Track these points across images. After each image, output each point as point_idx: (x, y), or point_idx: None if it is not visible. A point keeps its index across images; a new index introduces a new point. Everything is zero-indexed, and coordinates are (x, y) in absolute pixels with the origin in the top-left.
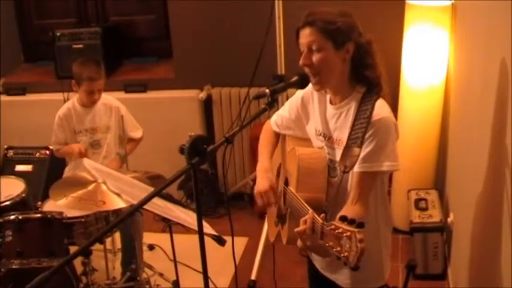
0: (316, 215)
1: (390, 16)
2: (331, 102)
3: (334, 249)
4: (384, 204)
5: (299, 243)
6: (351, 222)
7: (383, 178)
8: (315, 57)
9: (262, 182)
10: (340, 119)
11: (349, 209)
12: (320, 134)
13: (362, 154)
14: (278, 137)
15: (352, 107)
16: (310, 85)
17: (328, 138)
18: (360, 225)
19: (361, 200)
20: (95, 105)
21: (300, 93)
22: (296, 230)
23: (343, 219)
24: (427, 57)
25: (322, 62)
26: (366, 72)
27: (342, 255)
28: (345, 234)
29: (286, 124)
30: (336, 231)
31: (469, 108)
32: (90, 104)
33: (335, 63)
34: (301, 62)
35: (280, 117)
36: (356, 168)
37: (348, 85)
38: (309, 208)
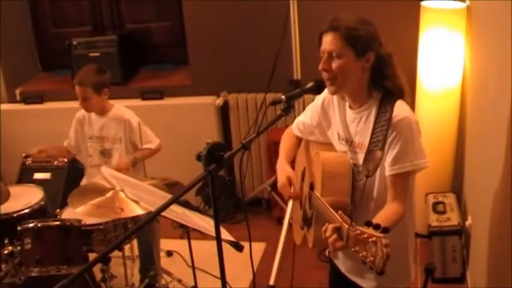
0: (342, 220)
1: (406, 19)
2: (350, 107)
3: (360, 254)
4: (410, 206)
5: (332, 245)
6: (376, 227)
7: (413, 179)
8: (335, 64)
9: (280, 178)
10: (360, 124)
11: (387, 208)
12: (342, 139)
13: (390, 157)
14: (299, 140)
15: (373, 110)
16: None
17: (350, 143)
18: (385, 230)
19: (397, 199)
20: (106, 114)
21: (320, 98)
22: (326, 236)
23: (369, 224)
24: (442, 60)
25: (341, 69)
26: (386, 82)
27: (368, 259)
28: (370, 240)
29: (309, 130)
30: (362, 236)
31: (485, 111)
32: (86, 110)
33: (354, 70)
34: (320, 66)
35: (302, 123)
36: (387, 172)
37: (366, 92)
38: (336, 215)
